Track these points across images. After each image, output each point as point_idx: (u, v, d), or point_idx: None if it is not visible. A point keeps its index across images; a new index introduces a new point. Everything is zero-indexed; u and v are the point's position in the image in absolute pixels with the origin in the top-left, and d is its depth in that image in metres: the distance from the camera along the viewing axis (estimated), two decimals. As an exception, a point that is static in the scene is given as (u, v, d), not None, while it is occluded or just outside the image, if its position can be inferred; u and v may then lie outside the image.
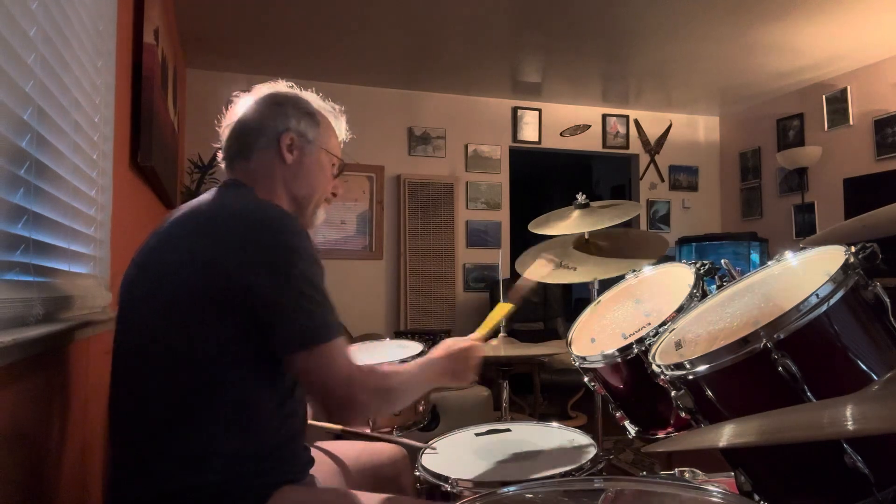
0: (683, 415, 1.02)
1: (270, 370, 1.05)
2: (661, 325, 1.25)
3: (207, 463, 0.99)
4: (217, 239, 1.01)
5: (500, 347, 1.85)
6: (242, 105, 1.23)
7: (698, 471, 1.09)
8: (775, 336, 0.88)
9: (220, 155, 1.24)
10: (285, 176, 1.20)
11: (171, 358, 1.00)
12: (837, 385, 0.88)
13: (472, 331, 1.40)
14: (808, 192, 5.06)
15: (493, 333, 1.51)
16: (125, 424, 1.04)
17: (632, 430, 1.39)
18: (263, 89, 1.25)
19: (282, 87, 1.27)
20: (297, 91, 1.27)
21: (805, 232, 5.11)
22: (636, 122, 5.88)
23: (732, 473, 0.97)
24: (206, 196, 1.14)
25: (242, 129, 1.21)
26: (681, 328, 1.18)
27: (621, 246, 2.15)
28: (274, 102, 1.22)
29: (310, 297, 1.00)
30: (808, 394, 0.86)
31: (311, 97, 1.28)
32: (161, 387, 1.00)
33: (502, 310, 1.49)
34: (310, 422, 1.49)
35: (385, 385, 1.09)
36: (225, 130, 1.23)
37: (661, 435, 1.35)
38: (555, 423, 1.54)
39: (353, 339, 3.89)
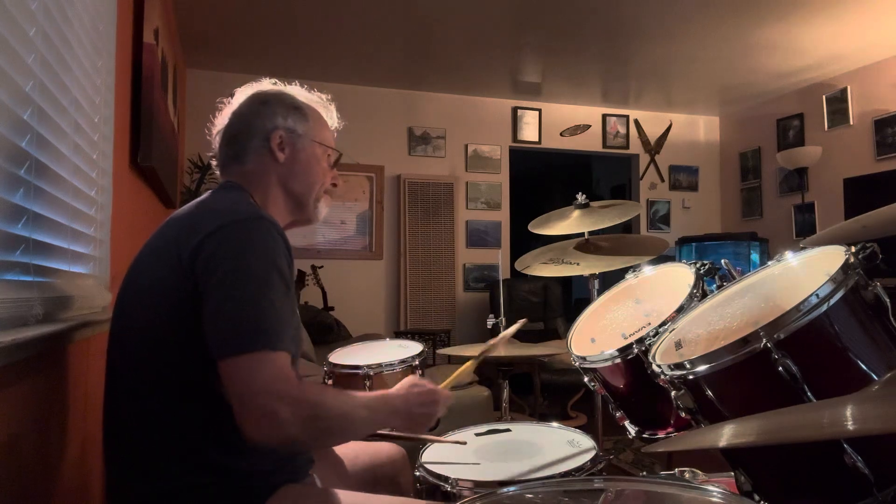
0: (683, 415, 1.02)
1: None
2: (661, 325, 1.25)
3: (206, 462, 0.99)
4: (189, 233, 1.01)
5: (501, 347, 1.85)
6: (229, 109, 1.23)
7: (698, 471, 1.09)
8: (775, 336, 0.88)
9: (214, 162, 1.24)
10: (280, 174, 1.20)
11: (163, 357, 1.00)
12: (837, 385, 0.88)
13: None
14: (808, 192, 5.07)
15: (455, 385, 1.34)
16: (122, 426, 1.04)
17: (632, 430, 1.39)
18: (248, 90, 1.25)
19: (265, 85, 1.26)
20: (281, 87, 1.26)
21: (805, 232, 5.11)
22: (636, 122, 5.88)
23: (732, 473, 0.97)
24: (199, 197, 1.15)
25: (232, 134, 1.20)
26: (681, 328, 1.18)
27: (621, 246, 2.15)
28: (259, 102, 1.21)
29: (250, 299, 0.92)
30: (808, 394, 0.86)
31: (297, 91, 1.27)
32: (154, 388, 1.00)
33: (469, 365, 1.43)
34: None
35: (316, 403, 0.94)
36: (216, 137, 1.23)
37: (661, 435, 1.35)
38: (555, 423, 1.54)
39: (352, 339, 3.90)
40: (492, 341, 1.56)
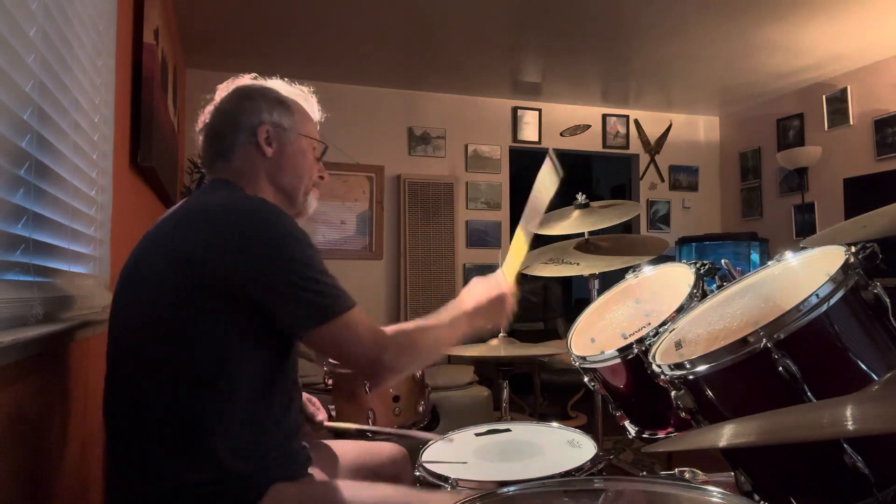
0: (683, 415, 1.02)
1: (264, 367, 1.05)
2: (661, 325, 1.25)
3: (204, 461, 0.99)
4: (197, 234, 1.01)
5: (500, 347, 1.85)
6: (212, 107, 1.22)
7: (698, 471, 1.09)
8: (775, 336, 0.88)
9: (199, 161, 1.24)
10: (269, 169, 1.19)
11: (162, 357, 1.00)
12: (837, 385, 0.88)
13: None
14: (808, 192, 5.06)
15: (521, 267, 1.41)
16: (121, 424, 1.04)
17: (632, 430, 1.39)
18: (229, 86, 1.24)
19: (246, 80, 1.26)
20: (262, 81, 1.26)
21: (805, 232, 5.10)
22: (636, 122, 5.87)
23: (732, 473, 0.97)
24: (190, 196, 1.14)
25: (217, 131, 1.19)
26: (681, 328, 1.18)
27: (621, 245, 2.16)
28: (243, 97, 1.21)
29: (312, 278, 1.01)
30: (808, 394, 0.87)
31: (279, 84, 1.26)
32: (154, 386, 1.00)
33: (520, 241, 1.43)
34: (328, 424, 1.51)
35: (411, 344, 1.13)
36: (199, 135, 1.23)
37: (661, 435, 1.35)
38: (555, 423, 1.53)
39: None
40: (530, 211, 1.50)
